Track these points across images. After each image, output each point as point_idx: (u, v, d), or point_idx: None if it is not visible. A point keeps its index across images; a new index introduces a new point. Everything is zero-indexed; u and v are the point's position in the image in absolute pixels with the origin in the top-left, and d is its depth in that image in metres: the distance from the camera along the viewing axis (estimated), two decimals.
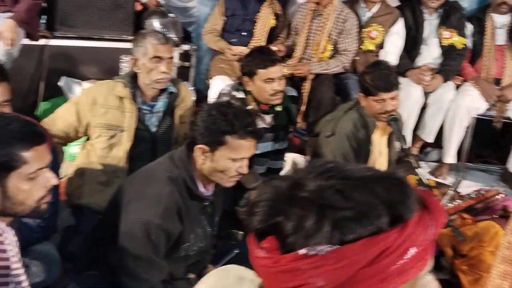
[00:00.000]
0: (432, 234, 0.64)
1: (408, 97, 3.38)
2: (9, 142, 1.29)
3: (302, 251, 0.61)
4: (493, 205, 2.86)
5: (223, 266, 0.92)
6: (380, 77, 2.50)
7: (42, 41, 3.43)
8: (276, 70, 2.64)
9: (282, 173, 3.27)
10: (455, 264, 2.52)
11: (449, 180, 3.61)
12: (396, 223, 0.62)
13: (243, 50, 3.44)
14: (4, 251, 1.33)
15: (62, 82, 3.57)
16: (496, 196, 2.92)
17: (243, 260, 2.36)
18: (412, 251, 0.62)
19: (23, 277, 1.41)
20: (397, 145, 2.57)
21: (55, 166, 1.93)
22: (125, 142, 2.41)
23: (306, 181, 0.65)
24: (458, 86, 3.71)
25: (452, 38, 3.69)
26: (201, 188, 1.94)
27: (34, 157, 1.33)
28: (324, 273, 0.60)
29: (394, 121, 2.49)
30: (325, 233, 0.61)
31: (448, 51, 3.70)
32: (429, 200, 0.66)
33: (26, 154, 1.32)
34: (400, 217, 0.62)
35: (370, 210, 0.62)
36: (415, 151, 3.72)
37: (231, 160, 1.87)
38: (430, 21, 3.72)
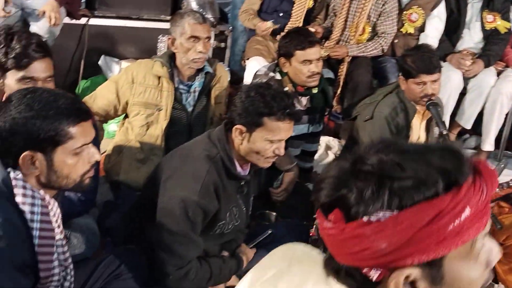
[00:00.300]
0: (486, 196, 0.68)
1: (447, 82, 3.30)
2: (56, 118, 1.33)
3: (365, 219, 0.67)
4: None
5: (288, 244, 0.96)
6: (422, 59, 2.45)
7: (82, 20, 3.49)
8: (314, 52, 2.62)
9: (316, 156, 3.26)
10: None
11: None
12: (451, 187, 0.67)
13: (270, 25, 3.42)
14: (49, 222, 1.38)
15: (101, 61, 3.64)
16: None
17: (276, 240, 2.39)
18: (467, 212, 0.66)
19: (65, 248, 1.47)
20: (436, 130, 2.53)
21: (95, 142, 1.98)
22: (162, 120, 2.45)
23: (367, 156, 0.71)
24: (499, 72, 3.60)
25: (495, 22, 3.57)
26: (238, 168, 1.96)
27: (80, 133, 1.37)
28: (385, 237, 0.66)
29: (434, 106, 2.44)
30: (384, 201, 0.66)
31: (491, 36, 3.58)
32: (481, 165, 0.71)
33: (73, 130, 1.35)
34: (455, 182, 0.67)
35: (426, 177, 0.66)
36: (452, 137, 3.65)
37: (268, 142, 1.88)
38: (473, 4, 3.60)
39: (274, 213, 2.60)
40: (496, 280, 2.51)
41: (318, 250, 0.90)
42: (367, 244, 0.67)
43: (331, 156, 3.51)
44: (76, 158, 1.38)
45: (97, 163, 2.14)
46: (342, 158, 0.75)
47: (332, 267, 0.75)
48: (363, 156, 0.72)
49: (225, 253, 2.09)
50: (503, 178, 3.10)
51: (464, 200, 0.66)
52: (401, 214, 0.66)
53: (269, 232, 2.27)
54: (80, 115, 1.38)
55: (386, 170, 0.68)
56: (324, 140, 3.56)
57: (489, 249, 0.73)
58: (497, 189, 2.79)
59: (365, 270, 0.70)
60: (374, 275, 0.70)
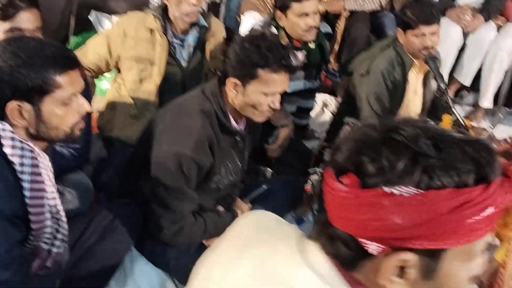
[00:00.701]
0: (509, 200, 0.67)
1: (446, 37, 3.22)
2: (43, 66, 1.29)
3: (387, 189, 0.65)
4: None
5: (260, 210, 0.93)
6: (421, 10, 2.40)
7: None
8: (311, 4, 2.55)
9: (313, 114, 3.23)
10: None
11: (484, 125, 3.51)
12: (480, 182, 0.65)
13: None
14: (39, 174, 1.36)
15: (92, 16, 3.55)
16: None
17: (271, 196, 2.38)
18: (490, 210, 0.65)
19: (57, 201, 1.45)
20: (433, 85, 2.49)
21: (86, 94, 1.93)
22: (155, 76, 2.40)
23: (403, 126, 0.69)
24: (499, 27, 3.53)
25: None
26: (233, 122, 1.93)
27: (67, 82, 1.33)
28: (403, 212, 0.64)
29: (432, 59, 2.39)
30: (414, 177, 0.64)
31: None
32: (510, 169, 0.69)
33: (60, 79, 1.31)
34: (485, 178, 0.65)
35: (459, 163, 0.65)
36: (450, 94, 3.61)
37: (263, 95, 1.84)
38: None
39: (269, 169, 2.58)
40: None
41: (287, 222, 0.86)
42: (381, 215, 0.65)
43: (327, 114, 3.47)
44: (65, 108, 1.34)
45: (89, 119, 2.14)
46: (369, 125, 0.72)
47: (327, 233, 0.73)
48: (398, 126, 0.69)
49: (220, 208, 2.09)
50: (502, 134, 3.09)
51: (492, 198, 0.65)
52: (428, 194, 0.64)
53: (264, 187, 2.27)
54: (67, 63, 1.33)
55: (422, 147, 0.66)
56: (321, 98, 3.52)
57: (484, 260, 0.72)
58: (495, 146, 2.77)
59: (363, 241, 0.68)
60: (373, 248, 0.67)
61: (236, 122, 1.95)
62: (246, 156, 2.14)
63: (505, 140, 2.87)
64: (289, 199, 2.36)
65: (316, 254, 0.73)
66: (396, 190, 0.64)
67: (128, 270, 2.02)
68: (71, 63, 1.35)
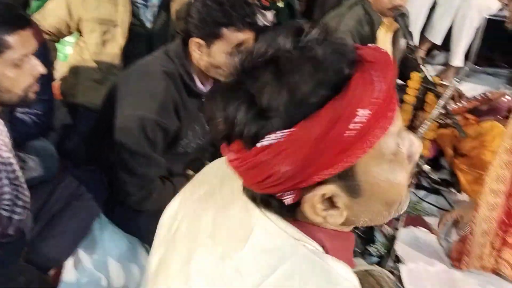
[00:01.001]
0: (382, 90, 0.60)
1: None
2: None
3: (259, 144, 0.61)
4: (498, 106, 2.81)
5: (223, 159, 0.90)
6: None
7: None
8: None
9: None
10: (455, 164, 2.52)
11: (454, 83, 3.52)
12: (339, 90, 0.59)
13: None
14: None
15: None
16: (502, 98, 2.86)
17: None
18: (363, 112, 0.59)
19: (15, 167, 1.40)
20: (402, 42, 2.47)
21: (46, 61, 1.86)
22: (119, 38, 2.32)
23: (239, 73, 0.64)
24: None
25: None
26: (199, 84, 1.88)
27: (18, 42, 1.26)
28: (285, 158, 0.60)
29: (402, 16, 2.36)
30: (273, 121, 0.60)
31: None
32: (374, 55, 0.63)
33: (10, 39, 1.25)
34: (338, 85, 0.60)
35: (304, 90, 0.59)
36: (421, 53, 3.61)
37: (228, 55, 1.79)
38: None
39: None
40: (459, 190, 2.56)
41: None
42: (269, 171, 0.62)
43: None
44: (17, 70, 1.29)
45: (50, 84, 2.07)
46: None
47: (250, 195, 0.71)
48: (237, 74, 0.64)
49: (190, 172, 2.06)
50: (471, 92, 3.11)
51: (354, 101, 0.58)
52: (293, 131, 0.59)
53: None
54: (17, 22, 1.27)
55: (259, 88, 0.61)
56: None
57: (408, 145, 0.68)
58: (464, 103, 2.79)
59: (278, 195, 0.65)
60: (288, 198, 0.65)
61: (203, 84, 1.90)
62: None
63: (474, 97, 2.90)
64: None
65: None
66: (266, 141, 0.60)
67: (98, 237, 2.00)
68: (21, 22, 1.28)
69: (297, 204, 0.66)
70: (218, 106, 0.65)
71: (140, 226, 1.95)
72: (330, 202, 0.66)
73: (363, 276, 1.78)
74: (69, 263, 1.88)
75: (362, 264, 1.85)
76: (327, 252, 0.70)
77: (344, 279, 0.67)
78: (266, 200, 0.69)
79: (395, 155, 0.66)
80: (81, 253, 1.93)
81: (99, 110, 2.06)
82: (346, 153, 0.60)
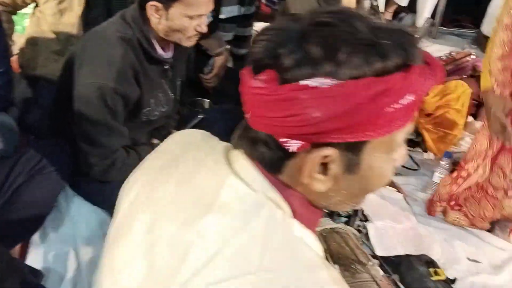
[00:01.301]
0: (429, 87, 0.64)
1: None
2: None
3: (304, 82, 0.61)
4: (463, 66, 2.84)
5: (186, 129, 0.89)
6: None
7: None
8: None
9: (250, 41, 3.15)
10: (420, 124, 2.55)
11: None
12: (401, 69, 0.62)
13: None
14: None
15: None
16: (467, 58, 2.89)
17: (209, 126, 2.34)
18: (409, 97, 0.62)
19: None
20: (366, 4, 2.46)
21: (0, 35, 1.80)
22: (76, 6, 2.25)
23: (320, 17, 0.64)
24: None
25: None
26: (159, 50, 1.84)
27: None
28: (322, 105, 0.61)
29: None
30: (331, 67, 0.61)
31: None
32: (429, 56, 0.67)
33: None
34: (405, 64, 0.63)
35: (378, 49, 0.62)
36: (388, 16, 3.60)
37: (187, 18, 1.75)
38: None
39: (207, 100, 2.53)
40: (425, 149, 2.60)
41: (217, 138, 0.83)
42: (299, 110, 0.61)
43: None
44: None
45: (7, 57, 2.00)
46: (293, 16, 0.67)
47: (248, 137, 0.70)
48: (315, 16, 0.65)
49: (155, 141, 2.03)
50: (437, 53, 3.13)
51: (411, 85, 0.62)
52: (346, 84, 0.60)
53: (200, 117, 2.22)
54: None
55: (337, 35, 0.62)
56: (260, 26, 3.43)
57: (401, 152, 0.71)
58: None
59: (283, 140, 0.65)
60: (292, 146, 0.65)
61: (163, 49, 1.86)
62: (178, 85, 2.07)
63: (440, 58, 2.92)
64: (227, 128, 2.32)
65: (241, 162, 0.71)
66: (313, 83, 0.61)
67: (65, 210, 1.98)
68: None
69: (289, 158, 0.67)
70: (275, 34, 0.65)
71: (106, 197, 1.90)
72: (324, 167, 0.66)
73: (329, 234, 1.82)
74: (35, 237, 1.85)
75: (328, 223, 1.88)
76: (295, 217, 0.70)
77: (307, 246, 0.67)
78: (266, 142, 0.68)
79: (396, 149, 0.68)
80: (49, 226, 1.90)
81: (58, 80, 2.01)
82: (373, 127, 0.62)
